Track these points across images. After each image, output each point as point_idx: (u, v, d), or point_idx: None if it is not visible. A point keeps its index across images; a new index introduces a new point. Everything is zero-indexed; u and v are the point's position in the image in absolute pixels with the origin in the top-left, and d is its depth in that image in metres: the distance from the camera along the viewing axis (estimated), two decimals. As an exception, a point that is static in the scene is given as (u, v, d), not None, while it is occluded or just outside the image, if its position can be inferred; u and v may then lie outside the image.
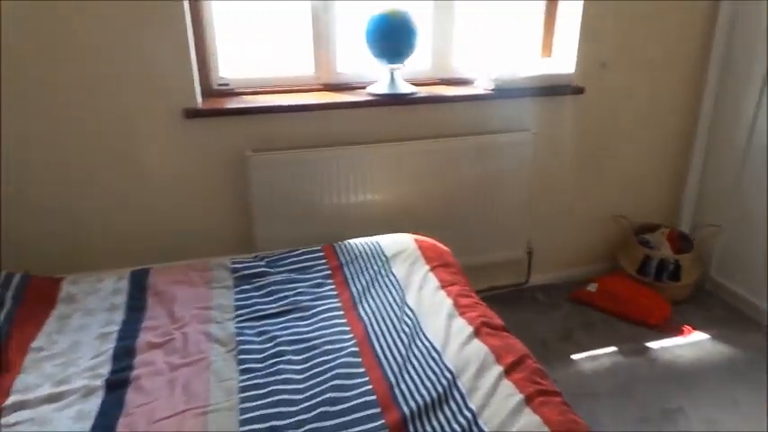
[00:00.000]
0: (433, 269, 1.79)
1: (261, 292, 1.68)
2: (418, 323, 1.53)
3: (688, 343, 2.30)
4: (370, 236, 2.00)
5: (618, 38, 2.35)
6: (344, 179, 2.16)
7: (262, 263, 1.82)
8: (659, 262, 2.53)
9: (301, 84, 2.22)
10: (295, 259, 1.85)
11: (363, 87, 2.24)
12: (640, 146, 2.60)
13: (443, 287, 1.69)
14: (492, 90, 2.26)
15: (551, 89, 2.33)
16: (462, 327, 1.49)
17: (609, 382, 2.09)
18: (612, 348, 2.27)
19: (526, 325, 2.41)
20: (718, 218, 2.58)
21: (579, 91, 2.36)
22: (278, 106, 2.04)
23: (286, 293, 1.67)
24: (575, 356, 2.23)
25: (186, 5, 1.88)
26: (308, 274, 1.78)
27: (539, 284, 2.71)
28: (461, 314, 1.55)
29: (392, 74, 2.16)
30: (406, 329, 1.50)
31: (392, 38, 2.06)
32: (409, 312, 1.58)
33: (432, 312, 1.57)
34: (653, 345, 2.29)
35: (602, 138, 2.52)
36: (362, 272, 1.79)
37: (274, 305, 1.62)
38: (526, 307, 2.57)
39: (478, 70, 2.35)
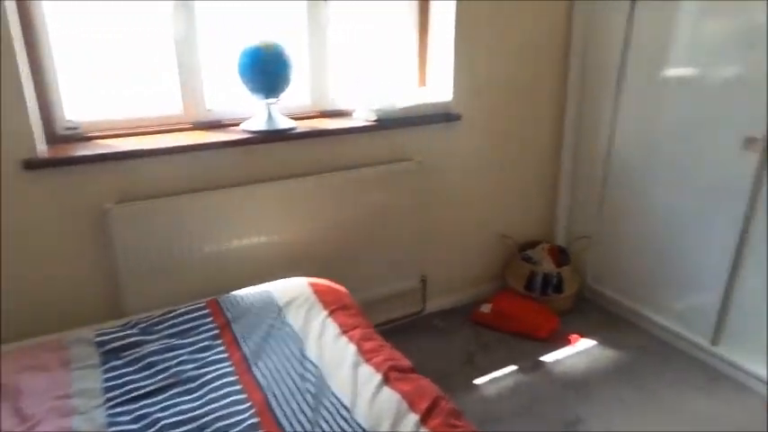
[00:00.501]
0: (331, 314, 1.68)
1: (135, 367, 1.45)
2: (323, 378, 1.41)
3: (577, 352, 2.41)
4: (260, 284, 1.84)
5: (489, 65, 2.44)
6: (224, 224, 1.98)
7: (134, 330, 1.58)
8: (544, 276, 2.64)
9: (167, 124, 2.02)
10: (174, 321, 1.64)
11: (237, 124, 2.09)
12: (517, 167, 2.72)
13: (345, 332, 1.59)
14: (373, 121, 2.22)
15: (430, 117, 2.36)
16: (370, 375, 1.40)
17: (512, 403, 2.10)
18: (512, 367, 2.31)
19: (427, 354, 2.38)
20: (588, 229, 2.76)
21: (456, 118, 2.42)
22: (140, 150, 1.81)
23: (166, 364, 1.46)
24: (477, 381, 2.23)
25: (17, 40, 1.61)
26: (192, 337, 1.58)
27: (435, 311, 2.70)
28: (367, 360, 1.46)
29: (269, 109, 2.04)
30: (311, 388, 1.37)
31: (266, 71, 1.94)
32: (311, 367, 1.45)
33: (335, 363, 1.46)
34: (547, 358, 2.36)
35: (481, 161, 2.59)
36: (254, 327, 1.62)
37: (153, 380, 1.40)
38: (425, 335, 2.54)
39: (358, 102, 2.31)
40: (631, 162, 2.51)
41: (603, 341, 2.47)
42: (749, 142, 2.04)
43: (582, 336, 2.50)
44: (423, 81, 2.51)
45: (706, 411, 2.05)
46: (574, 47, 2.60)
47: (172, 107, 2.02)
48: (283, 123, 2.07)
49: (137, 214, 1.81)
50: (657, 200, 2.42)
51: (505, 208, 2.77)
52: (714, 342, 2.29)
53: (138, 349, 1.50)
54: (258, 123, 2.04)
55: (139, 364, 1.45)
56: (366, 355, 1.48)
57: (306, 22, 2.17)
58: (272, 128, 2.04)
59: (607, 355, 2.38)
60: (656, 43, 2.30)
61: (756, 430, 1.95)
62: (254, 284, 1.85)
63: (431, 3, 2.38)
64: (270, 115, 2.05)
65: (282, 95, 2.04)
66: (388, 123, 2.25)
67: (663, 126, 2.34)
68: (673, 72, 2.27)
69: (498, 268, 2.87)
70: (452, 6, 2.28)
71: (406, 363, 1.49)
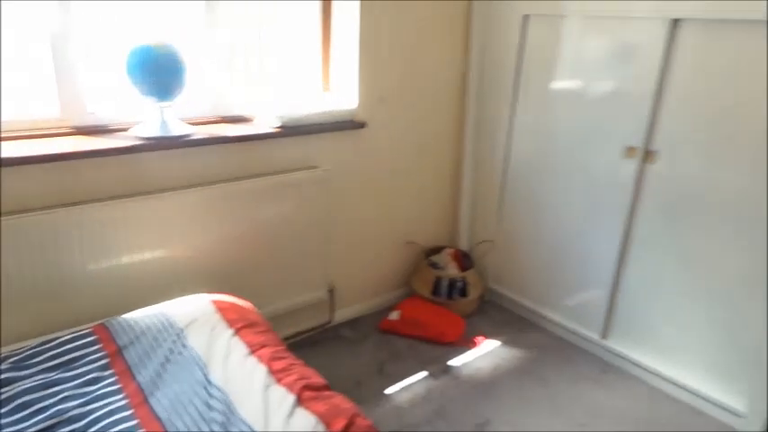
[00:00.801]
0: (237, 332, 1.58)
1: (7, 408, 1.26)
2: (230, 404, 1.31)
3: (483, 353, 2.48)
4: (156, 304, 1.69)
5: (393, 73, 2.45)
6: (112, 239, 1.79)
7: (5, 366, 1.37)
8: (449, 281, 2.70)
9: (43, 128, 1.79)
10: (54, 352, 1.45)
11: (126, 129, 1.91)
12: (421, 173, 2.76)
13: (253, 352, 1.50)
14: (277, 128, 2.14)
15: (336, 125, 2.31)
16: (283, 396, 1.32)
17: (424, 410, 2.11)
18: (422, 374, 2.32)
19: (338, 365, 2.33)
20: (489, 234, 2.87)
21: (362, 125, 2.40)
22: (8, 158, 1.59)
23: (45, 403, 1.28)
24: (389, 390, 2.22)
25: None
26: (76, 369, 1.41)
27: (344, 321, 2.66)
28: (279, 381, 1.38)
29: (162, 113, 1.89)
30: (217, 416, 1.26)
31: (158, 72, 1.79)
32: (217, 393, 1.34)
33: (244, 386, 1.37)
34: (455, 362, 2.41)
35: (386, 169, 2.60)
36: (151, 353, 1.48)
37: (28, 423, 1.22)
38: (335, 346, 2.49)
39: (261, 107, 2.22)
40: (527, 168, 2.64)
41: (507, 341, 2.57)
42: (629, 151, 2.22)
43: (487, 337, 2.59)
44: (328, 87, 2.46)
45: (599, 401, 2.19)
46: (472, 59, 2.69)
47: (49, 109, 1.80)
48: (178, 129, 1.92)
49: (4, 232, 1.58)
50: (551, 204, 2.56)
51: (411, 215, 2.80)
52: (604, 336, 2.46)
53: (10, 388, 1.30)
54: (150, 129, 1.88)
55: (12, 405, 1.26)
56: (277, 375, 1.40)
57: (204, 21, 2.04)
58: (165, 134, 1.89)
59: (511, 354, 2.48)
60: (546, 57, 2.45)
61: (642, 416, 2.12)
62: (149, 305, 1.69)
63: (333, 7, 2.35)
64: (163, 120, 1.90)
65: (177, 99, 1.90)
66: (292, 130, 2.17)
67: (555, 134, 2.48)
68: (561, 85, 2.42)
69: (405, 275, 2.89)
70: (356, 17, 2.26)
71: (319, 380, 1.43)
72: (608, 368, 2.39)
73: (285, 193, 2.20)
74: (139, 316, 1.61)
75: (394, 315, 2.63)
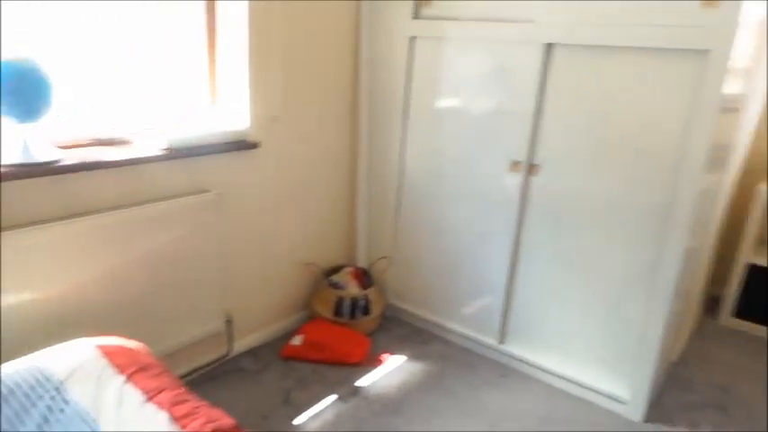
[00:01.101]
0: (129, 378, 1.42)
1: None
2: (128, 462, 1.16)
3: (390, 370, 2.47)
4: (27, 354, 1.47)
5: (285, 91, 2.40)
6: (-33, 284, 1.54)
7: None
8: (352, 301, 2.67)
9: None
10: None
11: (-21, 156, 1.66)
12: (317, 193, 2.71)
13: (151, 398, 1.35)
14: (162, 150, 1.98)
15: (228, 145, 2.20)
16: (190, 446, 1.20)
17: (336, 436, 2.05)
18: (331, 398, 2.26)
19: (240, 400, 2.20)
20: (387, 250, 2.89)
21: (255, 146, 2.30)
22: None
23: None
24: (297, 420, 2.13)
25: None
26: (-74, 445, 1.17)
27: (244, 351, 2.52)
28: (184, 428, 1.26)
29: (25, 136, 1.67)
30: (115, 479, 1.11)
31: (19, 90, 1.58)
32: (112, 451, 1.19)
33: (143, 439, 1.22)
34: (363, 382, 2.38)
35: (281, 190, 2.52)
36: (23, 414, 1.28)
37: None
38: (236, 380, 2.34)
39: (143, 128, 2.05)
40: (421, 184, 2.70)
41: (411, 356, 2.59)
42: (514, 165, 2.37)
43: (392, 354, 2.59)
44: (216, 106, 2.34)
45: (502, 404, 2.28)
46: (362, 78, 2.71)
47: None
48: (45, 154, 1.71)
49: None
50: (445, 218, 2.65)
51: (308, 235, 2.74)
52: (501, 341, 2.58)
53: None
54: (11, 154, 1.64)
55: None
56: (181, 421, 1.27)
57: (75, 33, 1.84)
58: (28, 160, 1.67)
59: (416, 368, 2.50)
60: (434, 77, 2.54)
61: (542, 413, 2.24)
62: (19, 357, 1.46)
63: (217, 23, 2.24)
64: (26, 144, 1.67)
65: (43, 120, 1.69)
66: (179, 152, 2.03)
67: (445, 150, 2.58)
68: (449, 103, 2.53)
69: (305, 297, 2.81)
70: (244, 34, 2.18)
71: (228, 421, 1.32)
72: (507, 371, 2.51)
73: (174, 221, 2.04)
74: (7, 371, 1.38)
75: (296, 340, 2.54)
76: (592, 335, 2.31)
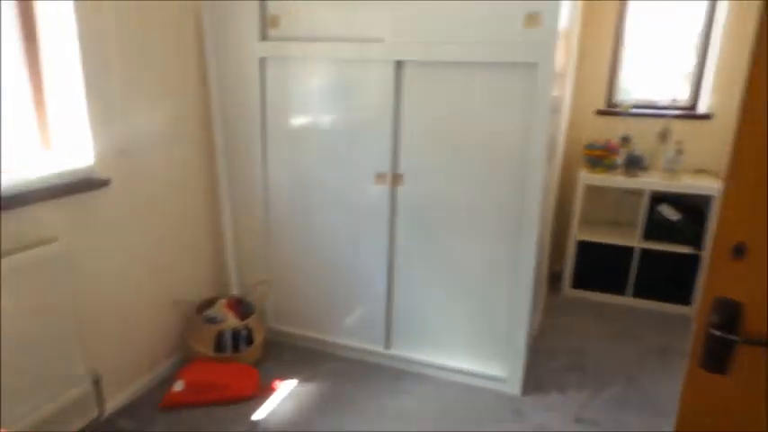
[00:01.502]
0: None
1: None
2: None
3: (285, 397, 2.42)
4: None
5: (130, 119, 2.22)
6: None
7: None
8: (232, 333, 2.56)
9: None
10: None
11: None
12: (178, 228, 2.55)
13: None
14: (-4, 200, 1.72)
15: (72, 186, 1.98)
16: None
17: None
18: (227, 439, 2.15)
19: (126, 466, 1.99)
20: (262, 274, 2.82)
21: (104, 183, 2.10)
22: None
23: None
24: (195, 470, 1.99)
25: None
26: None
27: (119, 409, 2.27)
28: None
29: None
30: None
31: None
32: None
33: None
34: (258, 415, 2.29)
35: (139, 229, 2.32)
36: None
37: None
38: (114, 444, 2.11)
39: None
40: (289, 202, 2.69)
41: (303, 378, 2.56)
42: (379, 177, 2.48)
43: (283, 380, 2.53)
44: (52, 144, 2.08)
45: (401, 407, 2.37)
46: (214, 101, 2.62)
47: None
48: None
49: None
50: (318, 234, 2.67)
51: (173, 272, 2.56)
52: (387, 347, 2.67)
53: None
54: None
55: None
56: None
57: None
58: None
59: (311, 390, 2.48)
60: (294, 94, 2.55)
61: (437, 406, 2.37)
62: None
63: (40, 51, 2.00)
64: None
65: None
66: (10, 201, 1.77)
67: (311, 166, 2.60)
68: (311, 119, 2.55)
69: (179, 338, 2.62)
70: (75, 57, 1.98)
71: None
72: (400, 374, 2.60)
73: (14, 280, 1.78)
74: None
75: (178, 386, 2.36)
76: (468, 326, 2.51)
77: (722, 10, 3.16)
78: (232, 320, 2.63)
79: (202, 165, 2.67)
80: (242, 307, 2.74)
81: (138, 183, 2.29)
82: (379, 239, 2.54)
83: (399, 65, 2.32)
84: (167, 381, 2.43)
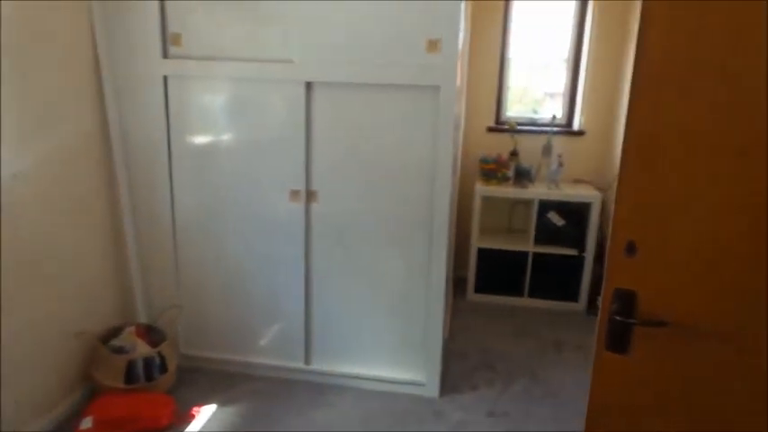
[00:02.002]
0: None
1: None
2: None
3: (204, 423, 2.35)
4: None
5: (22, 140, 2.06)
6: None
7: None
8: (144, 362, 2.44)
9: None
10: None
11: None
12: (77, 254, 2.39)
13: None
14: None
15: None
16: None
17: None
18: (147, 474, 2.04)
19: None
20: (172, 299, 2.71)
21: (-7, 212, 1.93)
22: None
23: None
24: None
25: None
26: None
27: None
28: None
29: None
30: None
31: None
32: None
33: None
34: (177, 444, 2.21)
35: (34, 256, 2.16)
36: None
37: None
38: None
39: None
40: (199, 223, 2.63)
41: (222, 401, 2.50)
42: (294, 194, 2.51)
43: (201, 405, 2.46)
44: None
45: (325, 418, 2.40)
46: (112, 120, 2.50)
47: None
48: None
49: None
50: (232, 253, 2.63)
51: (71, 301, 2.39)
52: (308, 362, 2.69)
53: None
54: None
55: None
56: None
57: None
58: None
59: (231, 412, 2.43)
60: (197, 114, 2.51)
61: (362, 416, 2.44)
62: None
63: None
64: None
65: None
66: None
67: (222, 186, 2.56)
68: (217, 139, 2.53)
69: (83, 372, 2.45)
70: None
71: None
72: (322, 388, 2.63)
73: None
74: None
75: (86, 423, 2.20)
76: (387, 335, 2.61)
77: (587, 36, 3.61)
78: (143, 348, 2.50)
79: (102, 187, 2.53)
80: (152, 334, 2.61)
81: (31, 209, 2.13)
82: (295, 256, 2.56)
83: (309, 85, 2.39)
84: (72, 419, 2.26)
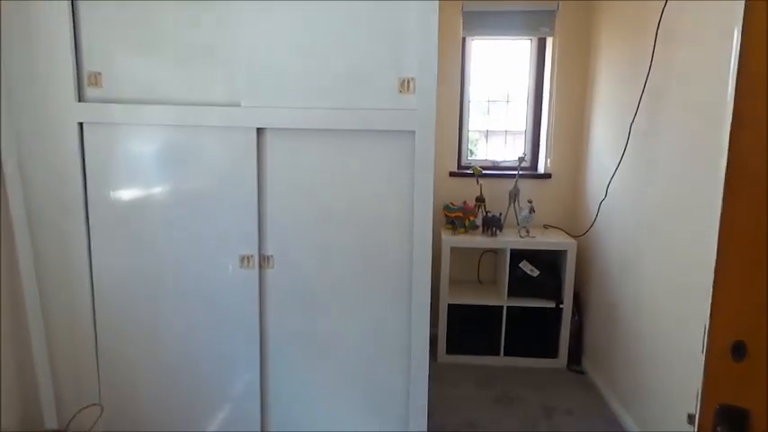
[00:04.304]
0: None
1: None
2: None
3: None
4: None
5: None
6: None
7: None
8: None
9: None
10: None
11: None
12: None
13: None
14: None
15: None
16: None
17: None
18: None
19: None
20: (92, 395, 2.19)
21: None
22: None
23: None
24: None
25: None
26: None
27: None
28: None
29: None
30: None
31: None
32: None
33: None
34: None
35: None
36: None
37: None
38: None
39: None
40: (128, 297, 2.14)
41: None
42: (245, 260, 2.10)
43: None
44: None
45: None
46: (10, 177, 2.02)
47: None
48: None
49: None
50: (171, 331, 2.16)
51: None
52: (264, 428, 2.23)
53: None
54: None
55: None
56: None
57: None
58: None
59: None
60: (121, 169, 2.08)
61: None
62: None
63: None
64: None
65: None
66: None
67: (157, 253, 2.11)
68: (149, 197, 2.09)
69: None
70: None
71: None
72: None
73: None
74: None
75: None
76: (360, 411, 2.19)
77: (547, 80, 3.47)
78: (49, 467, 1.96)
79: (-3, 261, 2.01)
80: (62, 444, 2.07)
81: None
82: (249, 328, 2.12)
83: (261, 132, 2.03)
84: None
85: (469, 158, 3.65)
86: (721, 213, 0.84)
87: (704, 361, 0.88)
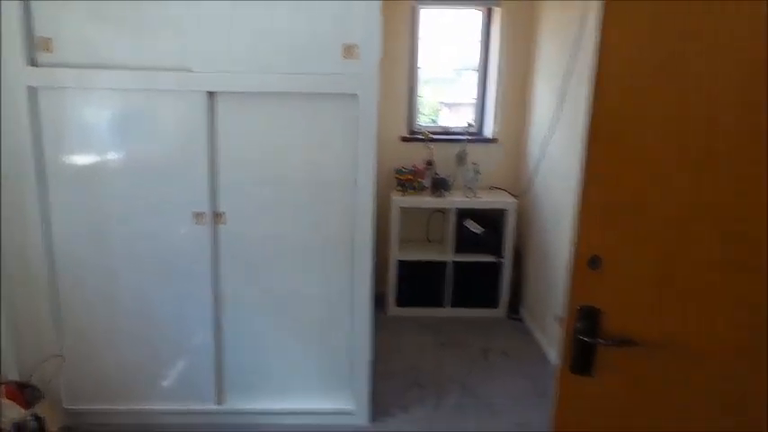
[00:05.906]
0: None
1: None
2: None
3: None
4: None
5: None
6: None
7: None
8: (17, 427, 2.02)
9: None
10: None
11: None
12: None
13: None
14: None
15: None
16: None
17: None
18: None
19: None
20: (54, 347, 2.30)
21: None
22: None
23: None
24: None
25: None
26: None
27: None
28: None
29: None
30: None
31: None
32: None
33: None
34: None
35: None
36: None
37: None
38: None
39: None
40: (84, 255, 2.26)
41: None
42: (198, 217, 2.23)
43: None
44: None
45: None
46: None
47: None
48: None
49: None
50: (125, 288, 2.30)
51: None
52: (220, 402, 2.40)
53: None
54: None
55: None
56: None
57: None
58: None
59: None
60: (76, 131, 2.17)
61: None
62: None
63: None
64: None
65: None
66: None
67: (111, 213, 2.23)
68: (109, 158, 2.20)
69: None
70: None
71: None
72: (239, 430, 2.35)
73: None
74: None
75: None
76: (310, 365, 2.39)
77: (495, 50, 3.64)
78: (13, 411, 2.08)
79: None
80: (26, 393, 2.19)
81: None
82: (202, 285, 2.28)
83: (212, 96, 2.14)
84: None
85: (420, 125, 3.81)
86: (584, 159, 1.04)
87: (570, 273, 1.09)
